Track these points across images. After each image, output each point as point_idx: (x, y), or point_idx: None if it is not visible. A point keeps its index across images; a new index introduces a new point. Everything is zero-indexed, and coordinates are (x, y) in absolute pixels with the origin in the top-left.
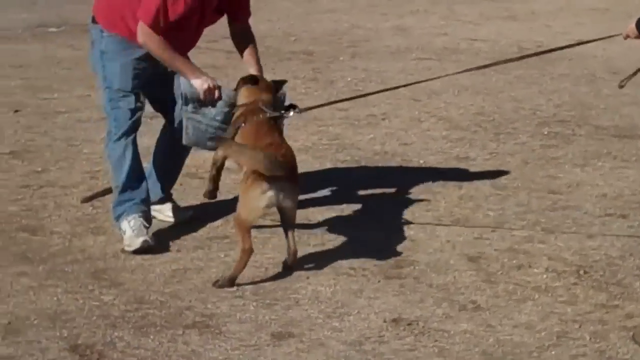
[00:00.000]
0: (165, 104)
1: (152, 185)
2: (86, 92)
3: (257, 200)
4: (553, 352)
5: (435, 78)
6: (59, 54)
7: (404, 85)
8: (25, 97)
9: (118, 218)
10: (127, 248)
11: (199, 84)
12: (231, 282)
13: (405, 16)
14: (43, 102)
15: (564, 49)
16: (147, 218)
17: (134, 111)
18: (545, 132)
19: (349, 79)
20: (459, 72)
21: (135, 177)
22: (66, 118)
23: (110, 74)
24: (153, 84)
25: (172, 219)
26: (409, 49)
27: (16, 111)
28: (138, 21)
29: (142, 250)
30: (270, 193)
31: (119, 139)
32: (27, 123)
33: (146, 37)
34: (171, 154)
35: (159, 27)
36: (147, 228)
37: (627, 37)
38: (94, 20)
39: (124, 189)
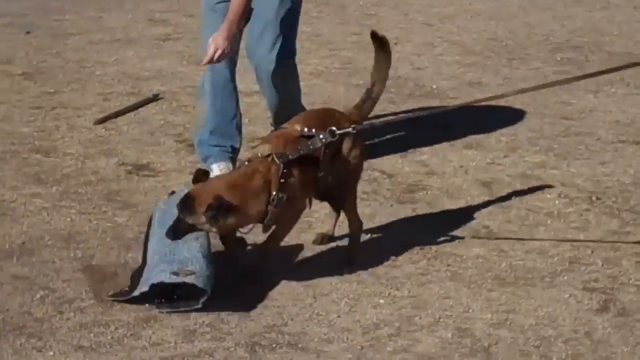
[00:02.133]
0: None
1: None
2: (98, 14)
3: None
4: (565, 278)
5: None
6: None
7: None
8: (37, 18)
9: (206, 159)
10: None
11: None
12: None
13: None
14: (55, 24)
15: None
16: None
17: None
18: (559, 58)
19: (361, 3)
20: None
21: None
22: (78, 40)
23: None
24: None
25: None
26: None
27: (28, 32)
28: None
29: None
30: None
31: (291, 57)
32: (39, 44)
33: None
34: None
35: None
36: None
37: None
38: None
39: None
